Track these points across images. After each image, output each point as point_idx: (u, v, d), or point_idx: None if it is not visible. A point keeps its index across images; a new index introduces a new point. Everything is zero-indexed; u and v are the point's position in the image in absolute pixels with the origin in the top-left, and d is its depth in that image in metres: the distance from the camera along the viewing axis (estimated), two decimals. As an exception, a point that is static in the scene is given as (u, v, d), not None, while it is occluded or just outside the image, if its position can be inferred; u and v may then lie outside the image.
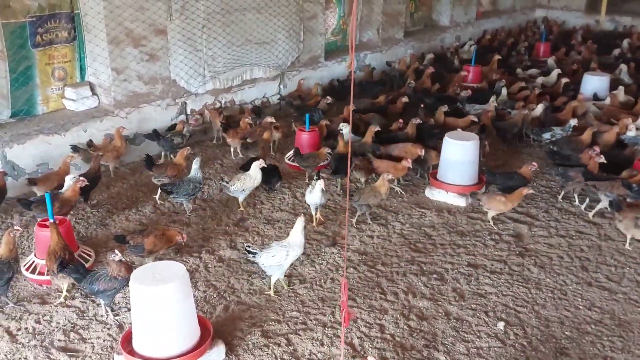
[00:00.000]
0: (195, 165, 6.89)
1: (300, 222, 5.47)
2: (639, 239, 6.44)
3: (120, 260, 5.00)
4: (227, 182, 6.96)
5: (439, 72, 11.68)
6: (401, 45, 13.28)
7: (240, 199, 7.05)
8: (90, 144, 7.71)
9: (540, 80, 11.50)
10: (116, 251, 5.05)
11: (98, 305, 5.33)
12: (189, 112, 9.15)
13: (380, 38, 12.78)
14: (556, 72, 11.52)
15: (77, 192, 6.42)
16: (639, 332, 5.10)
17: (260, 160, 7.01)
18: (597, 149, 7.46)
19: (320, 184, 6.50)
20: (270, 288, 5.54)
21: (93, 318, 5.20)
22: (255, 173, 6.96)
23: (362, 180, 7.63)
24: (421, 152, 7.55)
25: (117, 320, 5.16)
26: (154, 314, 4.34)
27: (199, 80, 9.23)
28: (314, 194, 6.60)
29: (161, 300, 4.32)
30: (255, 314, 5.26)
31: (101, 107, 8.36)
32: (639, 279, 5.88)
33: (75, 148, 7.54)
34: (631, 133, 8.30)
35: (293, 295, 5.51)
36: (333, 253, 6.24)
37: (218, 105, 9.54)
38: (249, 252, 5.51)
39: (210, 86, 9.44)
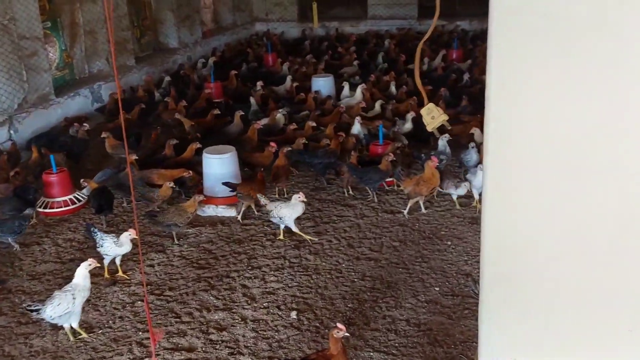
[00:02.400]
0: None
1: (83, 265, 5.21)
2: None
3: None
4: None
5: (182, 92, 11.78)
6: (135, 72, 13.07)
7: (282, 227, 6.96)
8: None
9: (280, 88, 12.24)
10: None
11: None
12: None
13: (112, 67, 12.40)
14: (289, 78, 12.45)
15: None
16: (405, 289, 5.90)
17: (300, 194, 6.79)
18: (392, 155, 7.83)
19: (127, 235, 6.03)
20: (71, 335, 5.23)
21: None
22: (295, 204, 6.78)
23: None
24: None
25: None
26: None
27: None
28: (123, 245, 6.03)
29: None
30: (44, 376, 4.82)
31: None
32: (395, 244, 6.77)
33: None
34: (355, 128, 9.29)
35: (82, 345, 5.16)
36: (115, 292, 5.97)
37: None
38: (31, 310, 5.06)
39: None
